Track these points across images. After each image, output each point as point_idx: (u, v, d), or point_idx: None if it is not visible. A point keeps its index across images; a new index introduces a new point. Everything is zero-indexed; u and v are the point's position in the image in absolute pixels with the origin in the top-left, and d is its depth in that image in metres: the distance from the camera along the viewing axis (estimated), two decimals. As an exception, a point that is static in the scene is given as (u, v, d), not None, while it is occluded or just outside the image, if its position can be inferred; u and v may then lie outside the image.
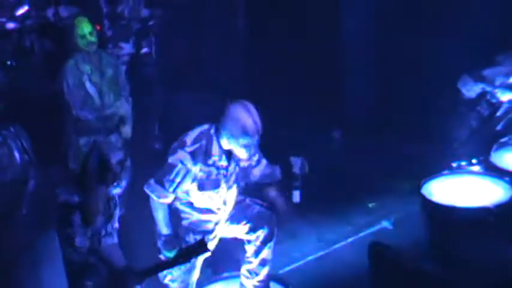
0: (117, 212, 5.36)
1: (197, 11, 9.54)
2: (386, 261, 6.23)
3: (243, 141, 5.34)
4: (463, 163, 6.99)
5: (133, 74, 7.76)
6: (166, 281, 5.66)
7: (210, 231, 5.61)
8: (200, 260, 5.71)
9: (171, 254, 5.42)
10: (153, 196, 5.42)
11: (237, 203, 5.75)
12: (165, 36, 9.23)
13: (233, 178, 5.59)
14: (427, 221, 6.72)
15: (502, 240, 6.39)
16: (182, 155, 5.39)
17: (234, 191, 5.65)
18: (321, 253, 7.21)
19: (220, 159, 5.47)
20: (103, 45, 8.18)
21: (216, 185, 5.49)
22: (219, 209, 5.60)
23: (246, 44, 10.16)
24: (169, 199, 5.44)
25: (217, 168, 5.47)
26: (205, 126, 5.52)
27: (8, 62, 8.13)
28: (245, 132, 5.33)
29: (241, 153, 5.42)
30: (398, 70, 8.96)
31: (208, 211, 5.58)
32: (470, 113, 7.13)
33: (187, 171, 5.38)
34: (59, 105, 7.27)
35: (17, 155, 3.74)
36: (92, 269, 5.08)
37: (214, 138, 5.45)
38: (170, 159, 5.42)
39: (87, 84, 7.06)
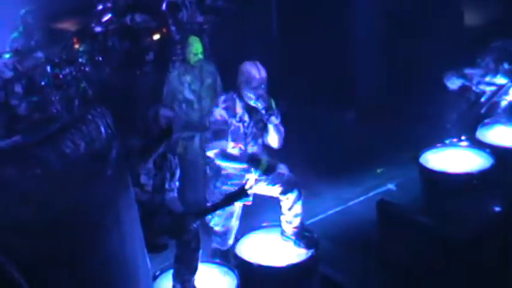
0: (178, 172, 5.42)
1: (240, 16, 9.51)
2: (391, 215, 6.26)
3: (250, 85, 5.40)
4: (454, 140, 6.96)
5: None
6: (211, 224, 5.77)
7: (244, 182, 5.58)
8: (238, 208, 5.77)
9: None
10: (216, 151, 5.44)
11: None
12: (216, 36, 9.24)
13: (251, 135, 5.58)
14: (424, 184, 6.72)
15: (482, 199, 6.39)
16: (217, 111, 5.47)
17: (251, 147, 5.64)
18: (338, 208, 7.25)
19: (242, 115, 5.51)
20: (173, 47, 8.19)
21: (243, 138, 5.53)
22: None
23: (278, 40, 10.13)
24: (226, 145, 5.46)
25: (243, 123, 5.51)
26: (230, 93, 5.58)
27: (96, 58, 8.19)
28: (250, 77, 5.40)
29: (251, 99, 5.45)
30: (406, 60, 8.86)
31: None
32: (460, 99, 7.09)
33: (225, 121, 5.44)
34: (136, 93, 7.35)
35: (102, 129, 3.78)
36: (157, 209, 5.18)
37: (237, 99, 5.50)
38: (211, 117, 5.51)
39: (186, 92, 7.10)
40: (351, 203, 7.33)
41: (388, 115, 8.71)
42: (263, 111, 5.50)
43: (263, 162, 5.47)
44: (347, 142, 8.30)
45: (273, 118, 5.53)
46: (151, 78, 7.94)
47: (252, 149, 5.65)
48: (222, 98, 5.57)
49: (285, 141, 6.12)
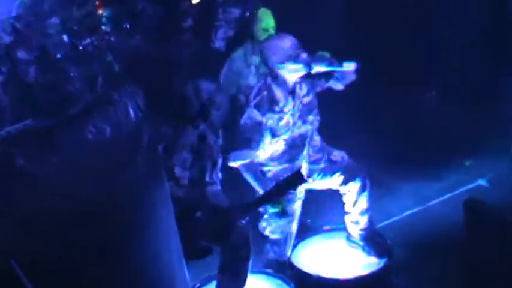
0: (220, 161, 5.40)
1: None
2: (483, 217, 6.13)
3: (289, 57, 5.33)
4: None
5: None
6: (266, 232, 5.69)
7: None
8: (297, 211, 5.73)
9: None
10: (243, 163, 5.43)
11: (322, 152, 5.72)
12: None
13: (297, 114, 5.52)
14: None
15: None
16: (249, 111, 5.43)
17: (301, 128, 5.60)
18: (416, 209, 7.16)
19: (287, 102, 5.45)
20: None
21: (287, 128, 5.49)
22: (296, 149, 5.58)
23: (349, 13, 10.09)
24: (257, 156, 5.45)
25: (285, 112, 5.46)
26: (262, 81, 5.54)
27: (124, 25, 8.20)
28: (284, 50, 5.33)
29: (299, 70, 5.39)
30: (499, 29, 8.71)
31: (287, 157, 5.58)
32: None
33: (259, 123, 5.39)
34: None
35: (132, 112, 3.79)
36: (196, 206, 5.15)
37: (273, 85, 5.45)
38: (241, 120, 5.44)
39: (251, 77, 7.04)
40: (431, 203, 7.25)
41: (477, 97, 8.56)
42: (328, 68, 5.44)
43: (281, 205, 5.43)
44: (427, 129, 8.19)
45: (348, 66, 5.45)
46: (190, 49, 7.91)
47: (300, 130, 5.58)
48: (254, 91, 5.51)
49: (354, 129, 6.10)
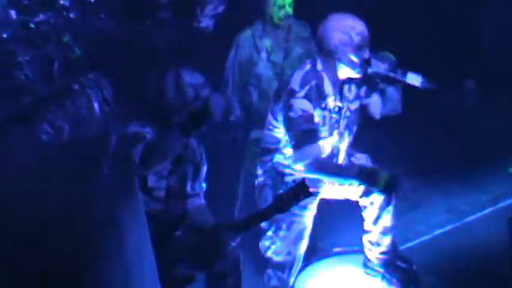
0: (204, 169, 5.41)
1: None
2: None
3: (353, 46, 5.32)
4: None
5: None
6: (269, 253, 5.72)
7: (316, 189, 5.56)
8: (308, 229, 5.74)
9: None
10: (308, 162, 5.36)
11: (347, 158, 5.77)
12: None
13: (345, 122, 5.59)
14: None
15: None
16: (299, 102, 5.36)
17: (346, 139, 5.67)
18: (450, 226, 7.21)
19: (335, 99, 5.48)
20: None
21: (330, 132, 5.52)
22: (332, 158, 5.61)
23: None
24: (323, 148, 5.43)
25: (330, 111, 5.47)
26: (307, 66, 5.50)
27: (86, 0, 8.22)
28: (356, 33, 5.32)
29: (355, 67, 5.38)
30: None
31: None
32: None
33: (311, 117, 5.34)
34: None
35: (96, 106, 3.79)
36: (175, 224, 5.16)
37: (324, 74, 5.45)
38: (291, 114, 5.35)
39: (261, 65, 7.02)
40: (469, 219, 7.29)
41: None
42: (388, 73, 5.38)
43: (382, 176, 5.37)
44: (464, 128, 8.22)
45: (413, 78, 5.34)
46: (169, 31, 7.91)
47: (344, 144, 5.66)
48: (298, 78, 5.44)
49: (376, 129, 6.12)
